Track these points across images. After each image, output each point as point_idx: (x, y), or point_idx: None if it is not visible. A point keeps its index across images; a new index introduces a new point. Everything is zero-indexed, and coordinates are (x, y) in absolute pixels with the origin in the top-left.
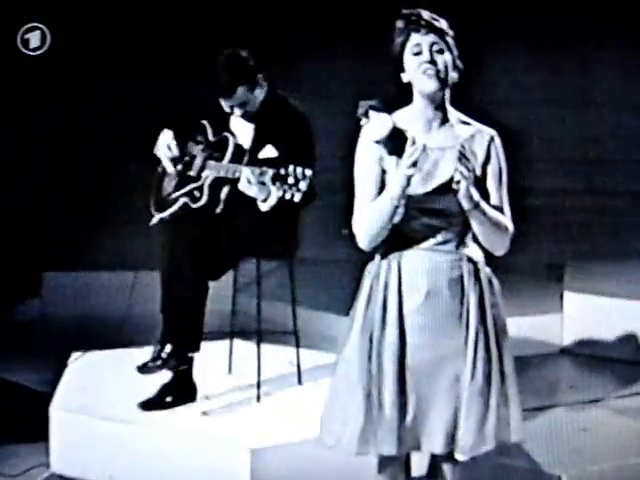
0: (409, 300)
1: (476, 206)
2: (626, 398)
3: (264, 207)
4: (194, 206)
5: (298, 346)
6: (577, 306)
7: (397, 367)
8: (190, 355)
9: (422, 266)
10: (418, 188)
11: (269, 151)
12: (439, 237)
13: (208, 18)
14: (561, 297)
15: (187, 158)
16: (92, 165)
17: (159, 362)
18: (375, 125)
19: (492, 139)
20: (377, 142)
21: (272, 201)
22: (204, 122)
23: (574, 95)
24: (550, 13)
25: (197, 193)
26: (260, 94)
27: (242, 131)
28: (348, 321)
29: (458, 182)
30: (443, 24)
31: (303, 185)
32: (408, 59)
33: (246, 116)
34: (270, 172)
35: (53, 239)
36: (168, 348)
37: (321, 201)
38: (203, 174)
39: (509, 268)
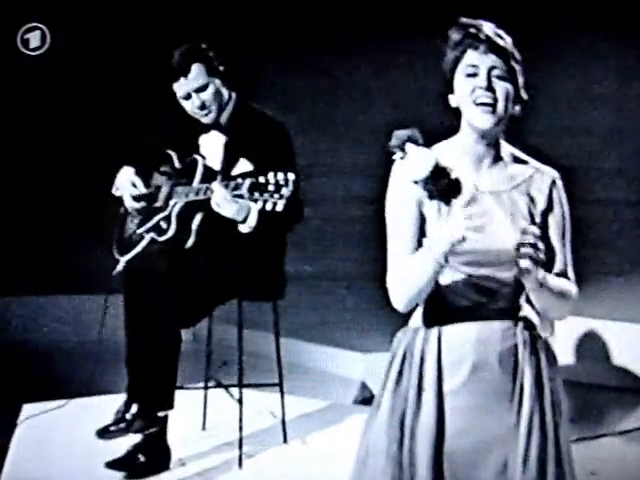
0: (450, 377)
1: (540, 285)
2: (632, 433)
3: (245, 228)
4: (161, 239)
5: (282, 396)
6: (566, 329)
7: (433, 457)
8: (161, 414)
9: (467, 335)
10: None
11: (243, 165)
12: (488, 300)
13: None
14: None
15: (151, 190)
16: (63, 173)
17: (122, 425)
18: (414, 162)
19: (554, 182)
20: (415, 182)
21: (253, 219)
22: (169, 151)
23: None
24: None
25: (164, 224)
26: (227, 100)
27: (213, 151)
28: (374, 401)
29: (526, 271)
30: (508, 43)
31: (285, 191)
32: (460, 80)
33: (216, 127)
34: (247, 182)
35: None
36: (134, 408)
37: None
38: (170, 202)
39: None
